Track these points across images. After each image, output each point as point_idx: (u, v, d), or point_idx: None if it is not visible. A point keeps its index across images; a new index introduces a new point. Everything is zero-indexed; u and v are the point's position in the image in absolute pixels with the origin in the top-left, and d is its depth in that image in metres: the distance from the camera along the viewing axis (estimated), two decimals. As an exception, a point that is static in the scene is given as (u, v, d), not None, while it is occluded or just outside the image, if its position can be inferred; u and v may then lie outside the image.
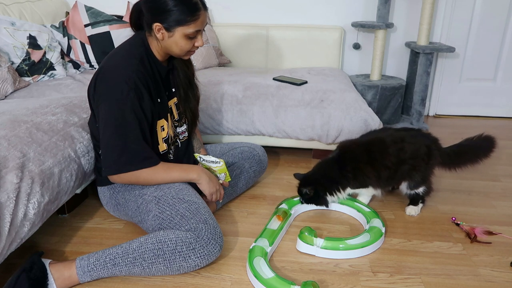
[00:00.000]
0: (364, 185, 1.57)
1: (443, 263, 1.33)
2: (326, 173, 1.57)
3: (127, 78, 1.23)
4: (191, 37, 1.29)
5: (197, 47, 1.34)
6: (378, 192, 1.60)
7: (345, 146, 1.60)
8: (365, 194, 1.65)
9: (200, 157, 1.50)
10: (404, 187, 1.61)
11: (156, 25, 1.25)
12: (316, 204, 1.60)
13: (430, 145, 1.56)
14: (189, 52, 1.35)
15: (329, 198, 1.56)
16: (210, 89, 2.03)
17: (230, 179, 1.53)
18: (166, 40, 1.29)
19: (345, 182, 1.54)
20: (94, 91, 1.28)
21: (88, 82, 2.16)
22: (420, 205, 1.64)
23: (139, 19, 1.32)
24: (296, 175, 1.62)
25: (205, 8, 1.29)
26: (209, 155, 1.54)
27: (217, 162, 1.47)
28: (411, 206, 1.64)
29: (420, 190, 1.60)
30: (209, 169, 1.49)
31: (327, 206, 1.59)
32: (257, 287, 1.19)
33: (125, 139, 1.24)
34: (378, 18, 2.58)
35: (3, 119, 1.32)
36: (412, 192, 1.60)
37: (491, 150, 1.63)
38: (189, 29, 1.26)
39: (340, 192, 1.56)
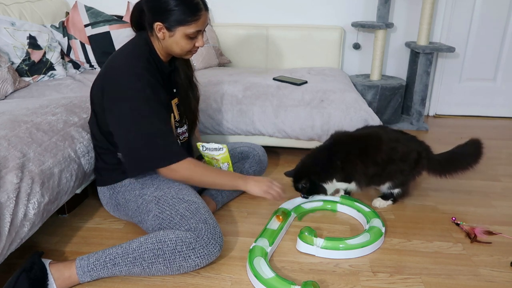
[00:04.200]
0: (349, 179, 1.58)
1: (443, 263, 1.33)
2: (316, 162, 1.57)
3: (140, 76, 1.24)
4: (191, 37, 1.29)
5: (198, 47, 1.34)
6: (357, 188, 1.61)
7: (339, 137, 1.61)
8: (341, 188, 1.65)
9: (202, 145, 1.49)
10: (385, 187, 1.62)
11: (157, 25, 1.26)
12: (318, 194, 1.60)
13: (421, 152, 1.57)
14: (189, 52, 1.35)
15: (326, 186, 1.57)
16: (210, 89, 2.03)
17: (232, 170, 1.53)
18: (167, 40, 1.29)
19: (334, 171, 1.55)
20: (103, 95, 1.27)
21: (88, 82, 2.17)
22: (389, 202, 1.67)
23: (140, 19, 1.33)
24: (287, 173, 1.62)
25: (206, 8, 1.30)
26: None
27: (220, 148, 1.47)
28: (380, 199, 1.67)
29: (395, 191, 1.63)
30: (211, 160, 1.49)
31: (326, 194, 1.60)
32: (258, 287, 1.19)
33: (152, 136, 1.24)
34: (378, 18, 2.58)
35: (3, 119, 1.32)
36: (389, 191, 1.64)
37: (479, 154, 1.62)
38: (190, 29, 1.26)
39: (331, 181, 1.57)
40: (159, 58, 1.35)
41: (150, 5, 1.26)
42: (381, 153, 1.52)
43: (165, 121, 1.28)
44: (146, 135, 1.24)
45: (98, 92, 1.30)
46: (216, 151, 1.48)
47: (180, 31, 1.26)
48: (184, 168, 1.28)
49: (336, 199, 1.66)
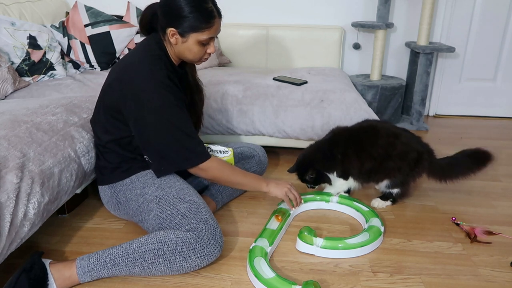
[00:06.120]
0: (347, 174, 1.58)
1: (443, 263, 1.33)
2: (318, 153, 1.60)
3: (163, 84, 1.26)
4: (204, 44, 1.31)
5: (210, 54, 1.36)
6: (355, 184, 1.62)
7: (339, 131, 1.63)
8: (335, 188, 1.66)
9: (208, 147, 1.50)
10: (383, 185, 1.62)
11: (171, 30, 1.27)
12: (323, 182, 1.63)
13: (422, 153, 1.56)
14: (201, 59, 1.37)
15: (330, 175, 1.59)
16: (210, 89, 2.03)
17: None
18: (180, 46, 1.30)
19: (335, 163, 1.57)
20: (126, 102, 1.27)
21: (88, 82, 2.17)
22: (389, 202, 1.67)
23: (152, 22, 1.33)
24: (290, 170, 1.64)
25: (220, 15, 1.31)
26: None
27: (225, 151, 1.48)
28: (378, 199, 1.67)
29: (394, 190, 1.63)
30: None
31: (330, 183, 1.62)
32: (258, 287, 1.19)
33: (179, 140, 1.27)
34: (378, 18, 2.58)
35: (3, 119, 1.32)
36: (388, 190, 1.63)
37: (486, 164, 1.58)
38: (203, 36, 1.28)
39: (332, 173, 1.59)
40: (172, 62, 1.36)
41: (164, 10, 1.27)
42: (378, 147, 1.52)
43: (190, 123, 1.30)
44: (173, 140, 1.27)
45: (117, 98, 1.29)
46: (221, 153, 1.49)
47: (193, 38, 1.28)
48: (214, 167, 1.32)
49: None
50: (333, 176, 1.60)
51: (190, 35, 1.28)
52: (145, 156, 1.35)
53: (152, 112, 1.25)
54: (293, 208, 1.52)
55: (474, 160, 1.60)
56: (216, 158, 1.34)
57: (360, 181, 1.61)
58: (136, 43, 2.49)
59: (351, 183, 1.62)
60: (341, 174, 1.59)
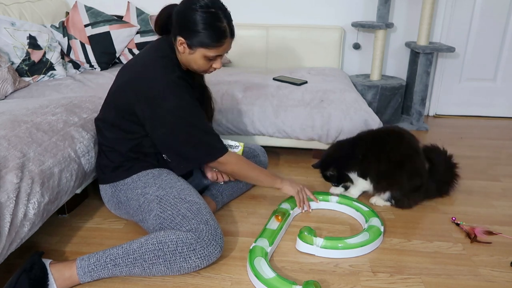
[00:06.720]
0: (365, 174, 1.60)
1: (443, 263, 1.33)
2: (341, 152, 1.64)
3: (178, 84, 1.28)
4: (210, 59, 1.32)
5: (215, 69, 1.37)
6: (371, 187, 1.64)
7: (363, 133, 1.67)
8: (357, 188, 1.67)
9: None
10: (385, 196, 1.63)
11: (180, 39, 1.28)
12: (346, 182, 1.66)
13: (423, 184, 1.60)
14: (206, 71, 1.37)
15: (351, 175, 1.62)
16: (210, 89, 2.03)
17: None
18: (186, 55, 1.31)
19: (355, 163, 1.60)
20: (140, 104, 1.28)
21: (88, 82, 2.17)
22: (388, 203, 1.67)
23: (167, 23, 1.33)
24: (314, 165, 1.70)
25: (232, 35, 1.31)
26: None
27: (236, 146, 1.51)
28: (379, 198, 1.68)
29: (393, 201, 1.65)
30: None
31: (352, 182, 1.65)
32: (258, 287, 1.19)
33: (197, 137, 1.31)
34: (378, 18, 2.58)
35: (3, 119, 1.32)
36: (388, 203, 1.66)
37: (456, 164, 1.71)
38: (210, 52, 1.29)
39: (353, 172, 1.61)
40: (181, 65, 1.37)
41: (179, 18, 1.27)
42: (396, 153, 1.55)
43: (204, 119, 1.33)
44: (191, 138, 1.30)
45: (130, 100, 1.30)
46: (231, 148, 1.51)
47: (200, 52, 1.29)
48: (233, 162, 1.37)
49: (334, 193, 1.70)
50: (354, 176, 1.62)
51: (197, 49, 1.28)
52: (163, 155, 1.37)
53: (169, 113, 1.26)
54: (304, 211, 1.57)
55: (450, 164, 1.70)
56: (234, 153, 1.38)
57: (374, 184, 1.62)
58: (136, 43, 2.49)
59: (366, 184, 1.64)
60: (361, 174, 1.61)
